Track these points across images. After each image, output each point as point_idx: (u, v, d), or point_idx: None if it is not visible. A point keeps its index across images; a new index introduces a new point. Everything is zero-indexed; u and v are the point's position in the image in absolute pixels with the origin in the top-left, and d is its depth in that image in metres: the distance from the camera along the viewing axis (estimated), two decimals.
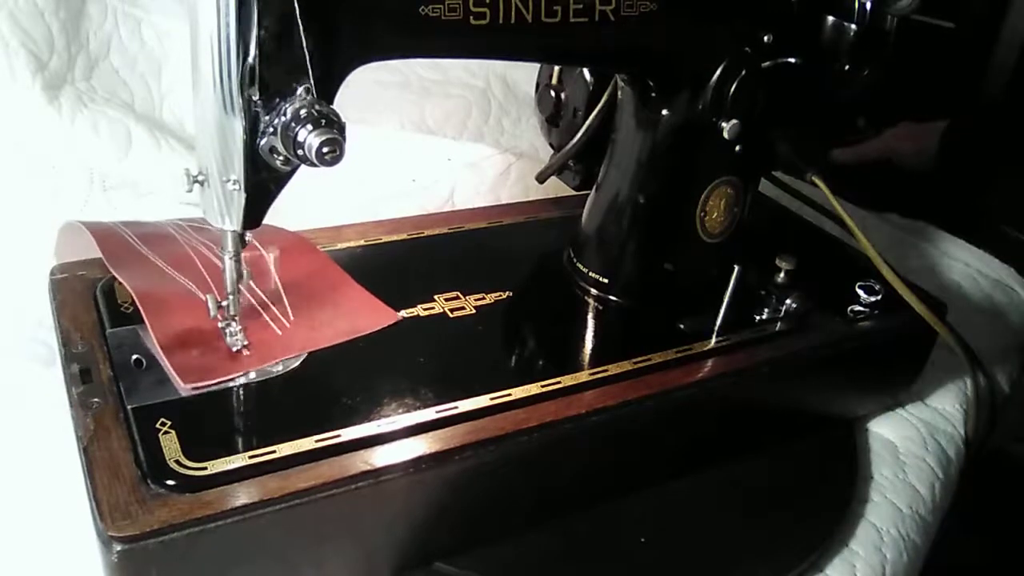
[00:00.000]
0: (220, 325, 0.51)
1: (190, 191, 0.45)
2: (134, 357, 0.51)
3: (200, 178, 0.45)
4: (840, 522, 0.60)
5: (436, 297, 0.60)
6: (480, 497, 0.51)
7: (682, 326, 0.60)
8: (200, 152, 0.44)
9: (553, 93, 0.69)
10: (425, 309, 0.59)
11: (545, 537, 0.54)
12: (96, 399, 0.48)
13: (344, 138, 0.42)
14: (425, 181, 0.89)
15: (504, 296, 0.62)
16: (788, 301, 0.62)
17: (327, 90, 0.43)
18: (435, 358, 0.53)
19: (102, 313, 0.55)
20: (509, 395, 0.52)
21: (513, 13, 0.47)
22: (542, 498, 0.54)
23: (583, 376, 0.55)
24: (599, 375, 0.55)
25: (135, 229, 0.59)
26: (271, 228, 0.61)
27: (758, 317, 0.62)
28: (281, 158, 0.43)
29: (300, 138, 0.41)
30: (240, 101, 0.41)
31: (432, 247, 0.68)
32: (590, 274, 0.63)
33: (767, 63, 0.56)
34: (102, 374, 0.50)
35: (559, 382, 0.54)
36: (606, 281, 0.63)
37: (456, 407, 0.50)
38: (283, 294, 0.56)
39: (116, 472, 0.43)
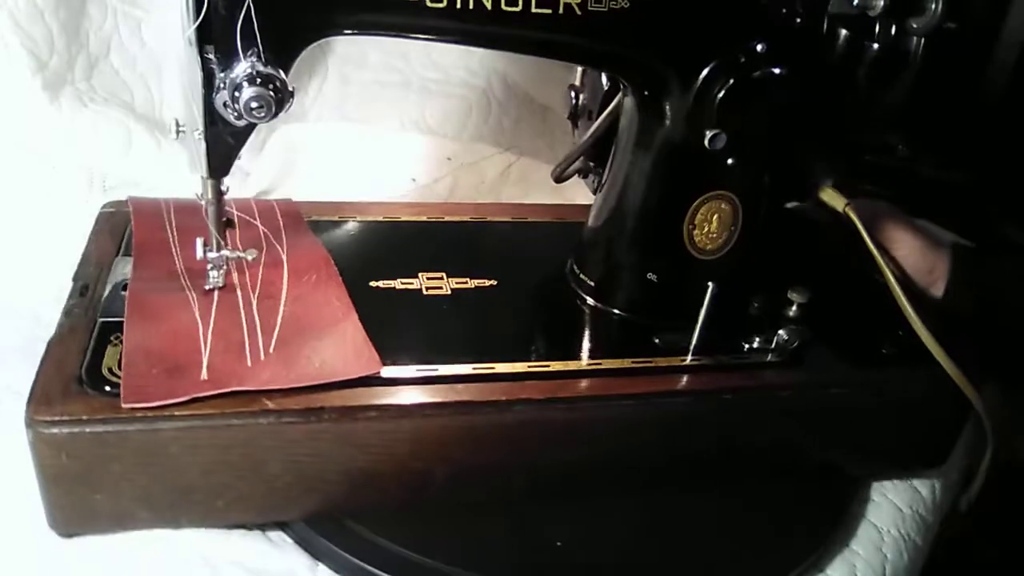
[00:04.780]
0: (208, 267, 0.54)
1: (176, 139, 0.51)
2: (124, 282, 0.56)
3: (183, 128, 0.50)
4: (840, 522, 0.60)
5: (419, 275, 0.62)
6: (389, 466, 0.52)
7: (657, 340, 0.58)
8: (183, 105, 0.50)
9: (573, 93, 0.68)
10: (403, 283, 0.61)
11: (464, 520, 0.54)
12: (79, 309, 0.53)
13: (280, 99, 0.46)
14: (425, 181, 0.89)
15: (487, 284, 0.62)
16: (780, 332, 0.58)
17: (283, 59, 0.47)
18: (385, 328, 0.54)
19: (122, 246, 0.60)
20: (436, 370, 0.53)
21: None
22: (459, 481, 0.54)
23: (521, 366, 0.54)
24: (537, 368, 0.54)
25: (178, 212, 0.63)
26: (310, 242, 0.62)
27: (747, 345, 0.58)
28: (234, 113, 0.47)
29: (238, 93, 0.46)
30: (200, 58, 0.46)
31: (447, 231, 0.70)
32: (581, 276, 0.63)
33: (757, 73, 0.53)
34: (98, 292, 0.55)
35: (493, 368, 0.54)
36: (592, 284, 0.62)
37: (384, 372, 0.51)
38: (278, 325, 0.54)
39: (60, 367, 0.49)
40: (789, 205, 0.65)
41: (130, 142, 0.83)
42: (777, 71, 0.53)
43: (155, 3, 0.88)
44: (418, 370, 0.52)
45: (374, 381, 0.51)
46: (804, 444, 0.60)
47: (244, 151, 0.53)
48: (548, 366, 0.55)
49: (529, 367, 0.54)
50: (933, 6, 0.52)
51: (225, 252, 0.54)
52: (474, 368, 0.53)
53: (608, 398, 0.54)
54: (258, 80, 0.45)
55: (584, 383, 0.54)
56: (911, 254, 0.66)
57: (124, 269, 0.57)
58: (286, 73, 0.47)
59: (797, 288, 0.60)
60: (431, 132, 0.96)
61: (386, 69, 0.97)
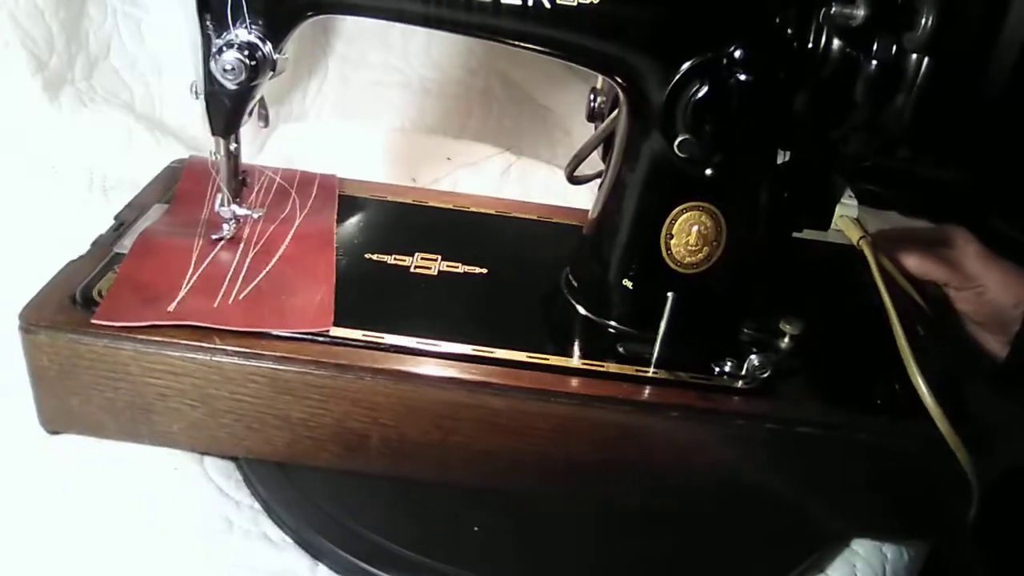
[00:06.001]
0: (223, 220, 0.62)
1: (196, 99, 0.56)
2: (148, 223, 0.64)
3: (197, 90, 0.56)
4: None
5: (416, 254, 0.65)
6: (327, 421, 0.55)
7: (621, 348, 0.58)
8: (192, 68, 0.56)
9: (593, 96, 0.67)
10: (396, 259, 0.65)
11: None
12: (105, 242, 0.61)
13: (254, 67, 0.52)
14: (425, 181, 0.89)
15: (476, 271, 0.65)
16: (752, 357, 0.56)
17: (272, 33, 0.53)
18: (357, 294, 0.59)
19: (168, 195, 0.68)
20: (381, 339, 0.56)
21: None
22: (396, 451, 0.56)
23: (466, 349, 0.56)
24: (480, 352, 0.56)
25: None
26: (327, 213, 0.68)
27: (717, 368, 0.57)
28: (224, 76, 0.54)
29: (218, 56, 0.52)
30: (199, 25, 0.53)
31: (463, 219, 0.72)
32: (570, 276, 0.64)
33: (732, 80, 0.50)
34: (129, 229, 0.63)
35: (436, 345, 0.56)
36: (575, 285, 0.63)
37: (329, 331, 0.55)
38: (260, 277, 0.59)
39: (63, 285, 0.56)
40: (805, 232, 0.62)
41: (130, 142, 0.84)
42: (756, 79, 0.50)
43: (155, 3, 0.88)
44: (364, 335, 0.56)
45: (320, 339, 0.55)
46: (763, 482, 0.57)
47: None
48: (492, 352, 0.56)
49: (474, 350, 0.56)
50: (924, 20, 0.49)
51: (233, 207, 0.61)
52: (418, 343, 0.56)
53: (541, 392, 0.54)
54: (236, 47, 0.52)
55: (521, 373, 0.55)
56: (993, 288, 0.63)
57: (158, 214, 0.66)
58: (276, 47, 0.54)
59: (791, 319, 0.57)
60: (431, 132, 0.96)
61: (386, 69, 0.98)
